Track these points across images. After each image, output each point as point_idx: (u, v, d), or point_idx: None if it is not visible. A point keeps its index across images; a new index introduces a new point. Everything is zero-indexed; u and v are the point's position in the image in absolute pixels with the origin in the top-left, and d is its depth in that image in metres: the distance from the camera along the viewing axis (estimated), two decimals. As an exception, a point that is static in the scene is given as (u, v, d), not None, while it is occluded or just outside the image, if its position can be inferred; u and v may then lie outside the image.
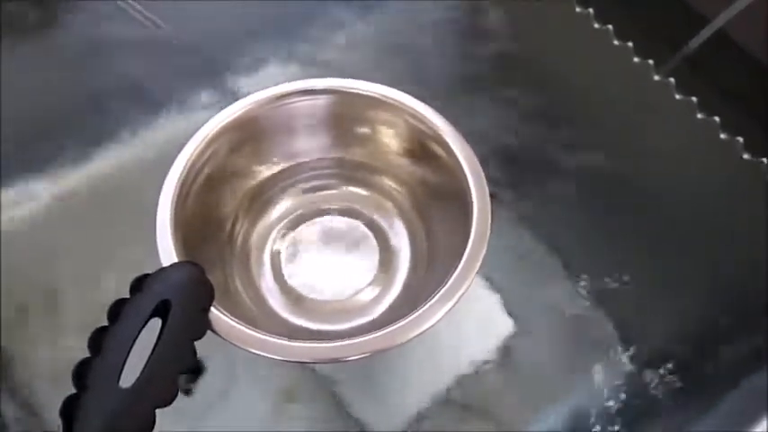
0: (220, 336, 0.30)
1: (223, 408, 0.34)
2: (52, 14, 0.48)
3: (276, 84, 0.37)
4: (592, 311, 0.37)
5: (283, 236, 0.38)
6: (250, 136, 0.37)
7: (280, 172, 0.38)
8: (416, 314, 0.30)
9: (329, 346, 0.30)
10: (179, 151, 0.34)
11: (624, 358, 0.36)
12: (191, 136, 0.35)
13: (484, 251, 0.31)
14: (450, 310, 0.30)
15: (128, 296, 0.29)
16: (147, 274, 0.30)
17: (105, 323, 0.28)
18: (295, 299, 0.36)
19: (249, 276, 0.36)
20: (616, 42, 0.47)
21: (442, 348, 0.36)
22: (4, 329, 0.36)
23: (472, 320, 0.37)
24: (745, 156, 0.42)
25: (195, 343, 0.28)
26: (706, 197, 0.42)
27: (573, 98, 0.45)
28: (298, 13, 0.48)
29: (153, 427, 0.26)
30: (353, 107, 0.37)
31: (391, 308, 0.35)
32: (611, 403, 0.35)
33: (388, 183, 0.39)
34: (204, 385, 0.35)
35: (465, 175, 0.33)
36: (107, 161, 0.42)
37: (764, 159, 0.42)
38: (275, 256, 0.37)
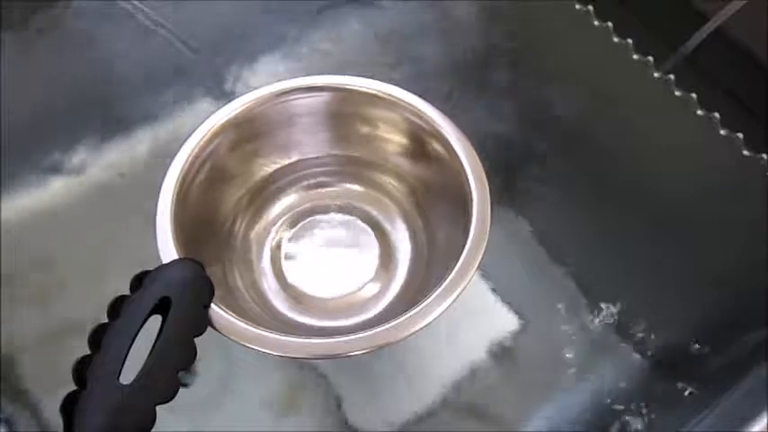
0: (220, 332, 0.30)
1: (223, 407, 0.34)
2: (53, 15, 0.48)
3: (276, 81, 0.37)
4: (591, 310, 0.37)
5: (283, 233, 0.38)
6: (250, 133, 0.37)
7: (279, 169, 0.39)
8: (415, 311, 0.30)
9: (328, 342, 0.30)
10: (179, 148, 0.34)
11: (623, 357, 0.36)
12: (191, 133, 0.35)
13: (483, 248, 0.31)
14: (448, 306, 0.30)
15: (128, 293, 0.29)
16: (148, 271, 0.30)
17: (106, 320, 0.28)
18: (295, 296, 0.36)
19: (249, 273, 0.36)
20: (616, 39, 0.47)
21: (440, 346, 0.36)
22: (4, 328, 0.36)
23: (470, 317, 0.37)
24: (745, 152, 0.42)
25: (195, 339, 0.28)
26: (706, 193, 0.42)
27: (573, 95, 0.45)
28: (297, 11, 0.48)
29: (153, 424, 0.26)
30: (353, 104, 0.37)
31: (391, 305, 0.35)
32: (610, 402, 0.35)
33: (388, 179, 0.39)
34: (205, 384, 0.35)
35: (465, 172, 0.34)
36: (107, 159, 0.42)
37: (764, 155, 0.42)
38: (275, 253, 0.37)
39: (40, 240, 0.39)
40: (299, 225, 0.38)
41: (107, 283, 0.35)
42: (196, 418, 0.34)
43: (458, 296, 0.30)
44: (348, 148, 0.39)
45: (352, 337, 0.30)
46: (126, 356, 0.27)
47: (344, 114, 0.38)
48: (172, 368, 0.27)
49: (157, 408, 0.26)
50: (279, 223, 0.38)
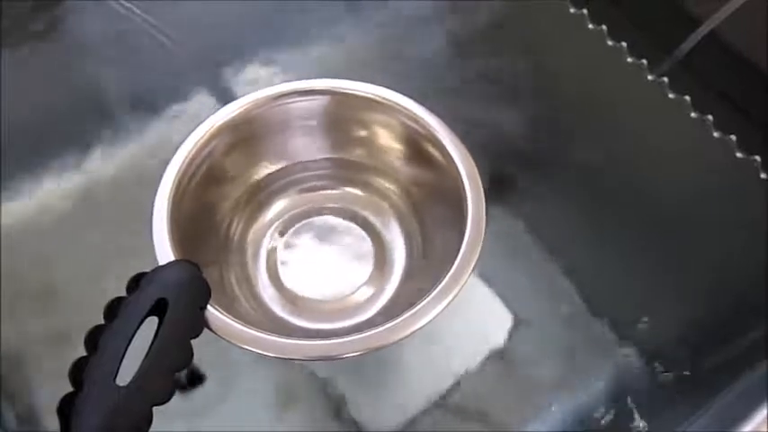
0: (216, 334, 0.30)
1: (221, 408, 0.34)
2: (52, 17, 0.48)
3: (272, 84, 0.37)
4: (589, 310, 0.37)
5: (279, 235, 0.38)
6: (246, 136, 0.37)
7: (276, 172, 0.39)
8: (410, 312, 0.30)
9: (325, 343, 0.30)
10: (176, 151, 0.34)
11: (622, 357, 0.36)
12: (188, 135, 0.35)
13: (479, 250, 0.32)
14: (444, 308, 0.30)
15: (125, 295, 0.29)
16: (144, 273, 0.30)
17: (102, 322, 0.28)
18: (291, 298, 0.36)
19: (245, 275, 0.36)
20: (610, 43, 0.47)
21: (437, 348, 0.36)
22: (3, 329, 0.36)
23: (468, 319, 0.37)
24: (739, 154, 0.43)
25: (192, 341, 0.28)
26: (700, 194, 0.42)
27: (567, 98, 0.45)
28: (295, 14, 0.49)
29: (150, 425, 0.26)
30: (350, 108, 0.37)
31: (387, 307, 0.35)
32: (607, 402, 0.35)
33: (384, 183, 0.39)
34: (202, 385, 0.35)
35: (460, 175, 0.34)
36: (105, 161, 0.42)
37: (757, 157, 0.42)
38: (271, 256, 0.37)
39: (39, 241, 0.39)
40: (295, 227, 0.38)
41: (104, 285, 0.35)
42: (192, 419, 0.34)
43: (453, 298, 0.30)
44: (344, 151, 0.39)
45: (348, 338, 0.30)
46: (122, 358, 0.27)
47: (341, 118, 0.38)
48: (168, 369, 0.27)
49: (154, 409, 0.26)
50: (275, 226, 0.38)
